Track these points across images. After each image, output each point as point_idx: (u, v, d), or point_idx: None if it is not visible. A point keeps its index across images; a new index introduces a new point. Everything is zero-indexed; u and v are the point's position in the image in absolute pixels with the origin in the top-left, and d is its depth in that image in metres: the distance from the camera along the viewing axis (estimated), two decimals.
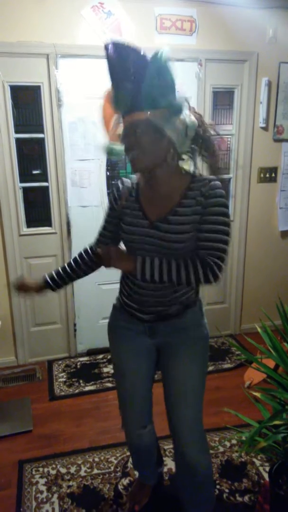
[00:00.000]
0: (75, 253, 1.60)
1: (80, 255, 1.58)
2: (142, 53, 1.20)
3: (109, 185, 2.97)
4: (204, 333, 1.50)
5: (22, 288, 1.57)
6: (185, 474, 1.57)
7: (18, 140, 2.75)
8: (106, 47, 1.21)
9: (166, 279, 1.29)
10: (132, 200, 1.42)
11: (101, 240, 1.55)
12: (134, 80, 1.20)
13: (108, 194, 1.44)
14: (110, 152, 1.39)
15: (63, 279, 1.57)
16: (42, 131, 2.76)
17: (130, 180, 1.48)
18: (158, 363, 1.58)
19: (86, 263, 1.56)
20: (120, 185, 1.48)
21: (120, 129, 1.33)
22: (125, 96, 1.23)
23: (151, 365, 1.57)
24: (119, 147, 1.35)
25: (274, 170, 3.25)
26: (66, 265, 1.59)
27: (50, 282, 1.56)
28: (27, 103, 2.74)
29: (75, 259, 1.58)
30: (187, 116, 1.27)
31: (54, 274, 1.57)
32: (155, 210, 1.36)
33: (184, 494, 1.62)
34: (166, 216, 1.33)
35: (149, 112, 1.21)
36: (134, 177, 1.48)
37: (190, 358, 1.47)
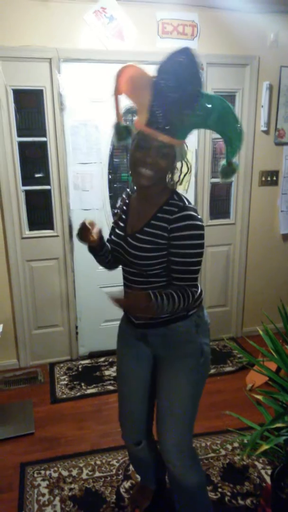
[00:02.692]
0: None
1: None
2: (201, 81, 1.19)
3: (111, 189, 2.98)
4: (196, 350, 1.42)
5: (85, 232, 1.42)
6: (174, 487, 1.58)
7: (20, 144, 2.76)
8: (182, 52, 1.16)
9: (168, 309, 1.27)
10: (125, 210, 1.48)
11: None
12: (182, 105, 1.19)
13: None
14: (119, 132, 1.35)
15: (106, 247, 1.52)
16: (44, 135, 2.78)
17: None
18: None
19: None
20: (124, 195, 1.54)
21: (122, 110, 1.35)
22: (166, 114, 1.20)
23: (149, 373, 1.56)
24: (128, 129, 1.34)
25: (275, 173, 3.26)
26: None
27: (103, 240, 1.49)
28: (30, 107, 2.75)
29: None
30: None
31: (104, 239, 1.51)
32: (133, 224, 1.41)
33: (177, 504, 1.62)
34: (135, 232, 1.37)
35: (180, 141, 1.27)
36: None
37: (178, 374, 1.43)
